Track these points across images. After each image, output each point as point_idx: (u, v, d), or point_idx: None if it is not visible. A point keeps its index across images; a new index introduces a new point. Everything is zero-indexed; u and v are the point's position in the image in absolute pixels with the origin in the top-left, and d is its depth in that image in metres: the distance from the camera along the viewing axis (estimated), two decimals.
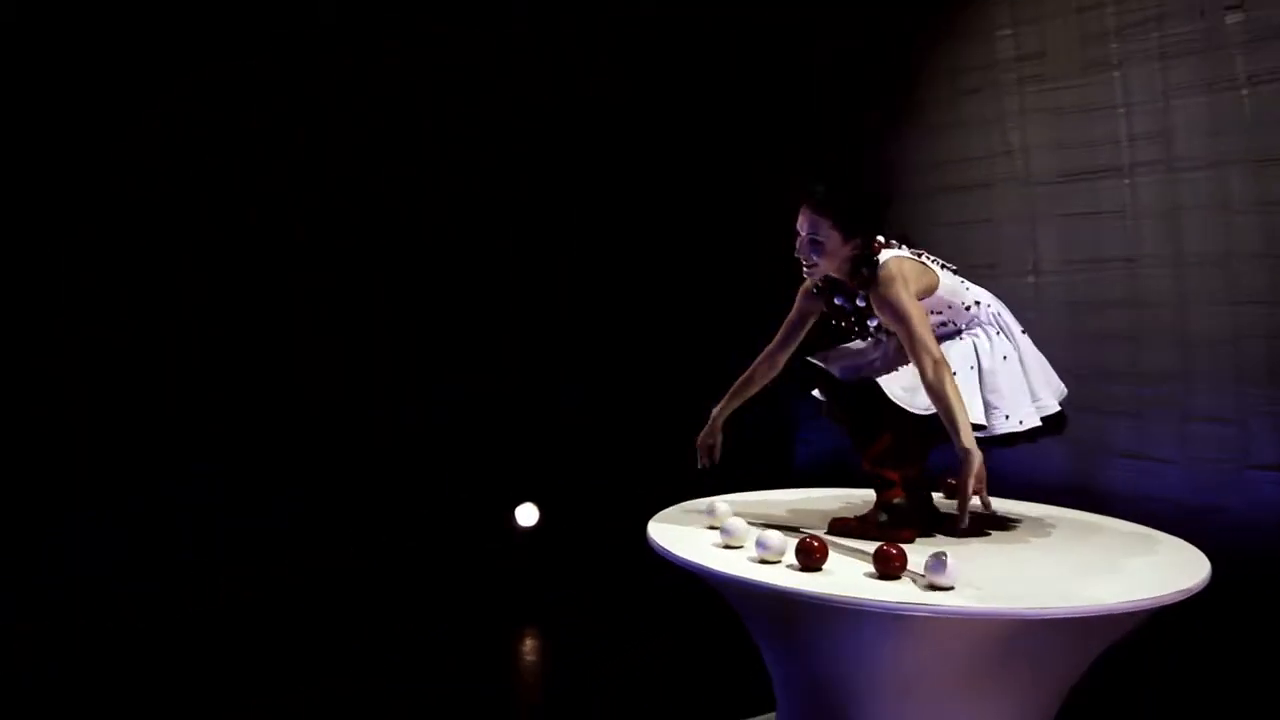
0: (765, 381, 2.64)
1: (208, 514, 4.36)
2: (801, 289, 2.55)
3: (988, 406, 2.32)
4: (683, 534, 2.29)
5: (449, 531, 4.70)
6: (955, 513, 2.03)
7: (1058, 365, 4.04)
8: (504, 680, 3.51)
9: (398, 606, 4.12)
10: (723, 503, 2.40)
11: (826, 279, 2.43)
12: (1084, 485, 3.86)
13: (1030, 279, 4.11)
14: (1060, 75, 4.01)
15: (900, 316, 2.23)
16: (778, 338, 2.61)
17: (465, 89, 5.01)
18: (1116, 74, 3.84)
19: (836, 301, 2.47)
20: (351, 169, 4.79)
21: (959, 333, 2.43)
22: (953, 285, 2.42)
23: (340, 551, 4.52)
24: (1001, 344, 2.41)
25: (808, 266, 2.36)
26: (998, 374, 2.35)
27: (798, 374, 2.57)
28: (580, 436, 5.11)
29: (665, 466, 4.66)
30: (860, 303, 2.40)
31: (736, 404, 2.67)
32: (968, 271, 4.43)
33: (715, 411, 2.67)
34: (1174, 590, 1.79)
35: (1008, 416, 2.32)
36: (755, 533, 2.09)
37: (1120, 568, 2.06)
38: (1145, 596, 1.76)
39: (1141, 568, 2.05)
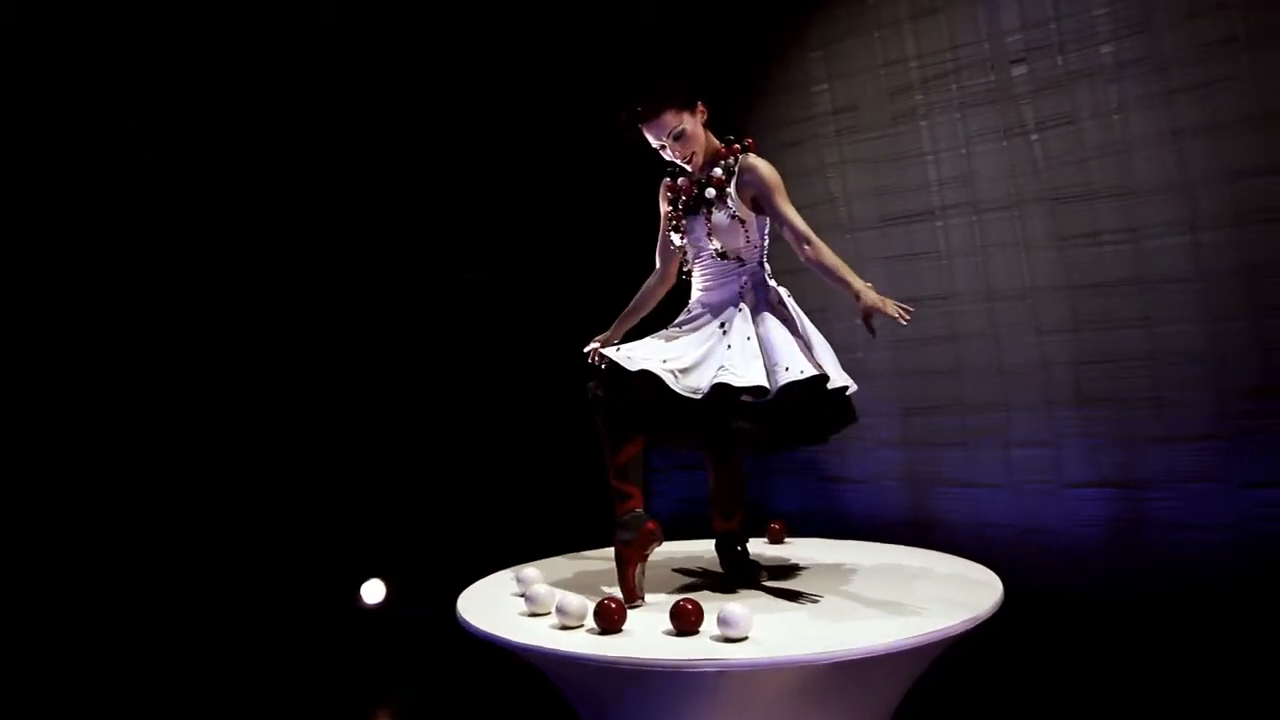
0: (659, 296, 2.77)
1: None
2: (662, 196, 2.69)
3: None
4: (493, 605, 2.27)
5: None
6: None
7: (888, 401, 4.20)
8: None
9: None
10: (530, 569, 2.39)
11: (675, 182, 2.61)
12: (922, 518, 4.00)
13: (857, 320, 4.25)
14: (873, 126, 4.22)
15: (771, 186, 2.44)
16: (658, 259, 2.75)
17: None
18: (924, 124, 4.06)
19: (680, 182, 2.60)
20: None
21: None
22: None
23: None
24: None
25: (685, 159, 2.51)
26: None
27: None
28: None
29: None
30: (710, 191, 2.50)
31: (627, 328, 2.75)
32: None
33: (600, 341, 2.68)
34: (960, 621, 1.87)
35: (787, 369, 2.34)
36: (558, 597, 2.09)
37: (912, 605, 2.10)
38: (927, 631, 1.83)
39: (935, 602, 2.12)
